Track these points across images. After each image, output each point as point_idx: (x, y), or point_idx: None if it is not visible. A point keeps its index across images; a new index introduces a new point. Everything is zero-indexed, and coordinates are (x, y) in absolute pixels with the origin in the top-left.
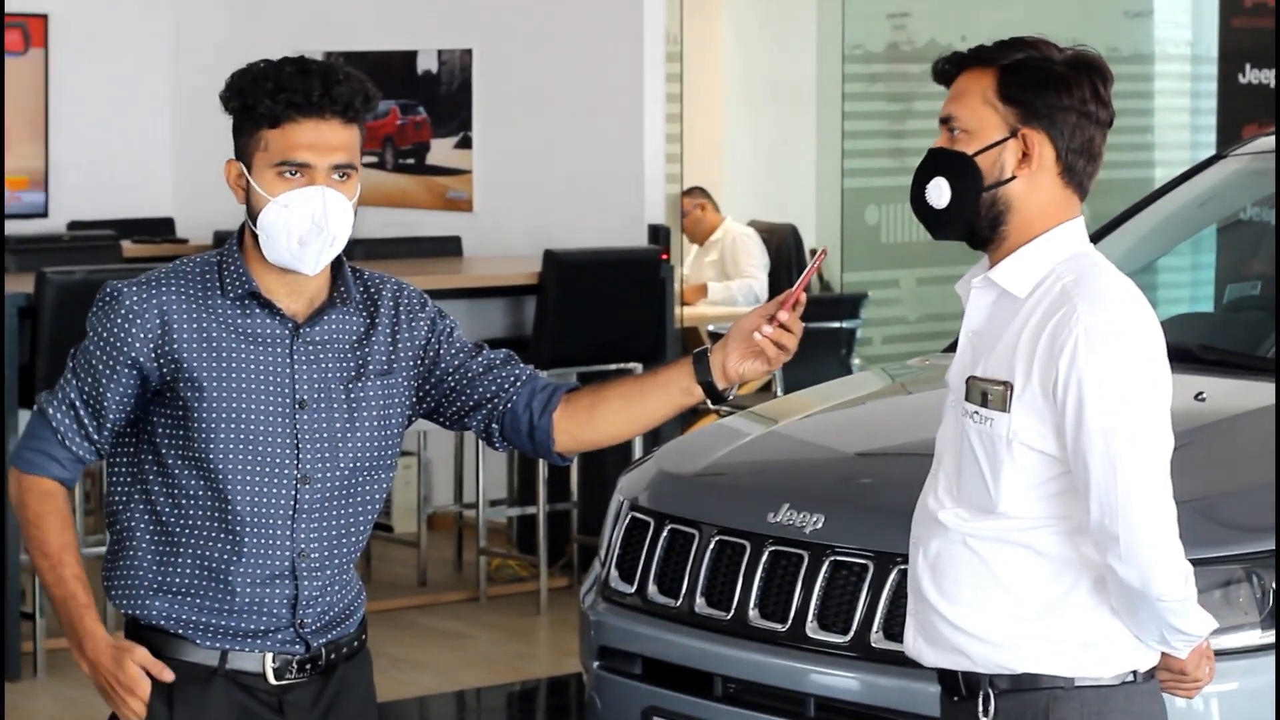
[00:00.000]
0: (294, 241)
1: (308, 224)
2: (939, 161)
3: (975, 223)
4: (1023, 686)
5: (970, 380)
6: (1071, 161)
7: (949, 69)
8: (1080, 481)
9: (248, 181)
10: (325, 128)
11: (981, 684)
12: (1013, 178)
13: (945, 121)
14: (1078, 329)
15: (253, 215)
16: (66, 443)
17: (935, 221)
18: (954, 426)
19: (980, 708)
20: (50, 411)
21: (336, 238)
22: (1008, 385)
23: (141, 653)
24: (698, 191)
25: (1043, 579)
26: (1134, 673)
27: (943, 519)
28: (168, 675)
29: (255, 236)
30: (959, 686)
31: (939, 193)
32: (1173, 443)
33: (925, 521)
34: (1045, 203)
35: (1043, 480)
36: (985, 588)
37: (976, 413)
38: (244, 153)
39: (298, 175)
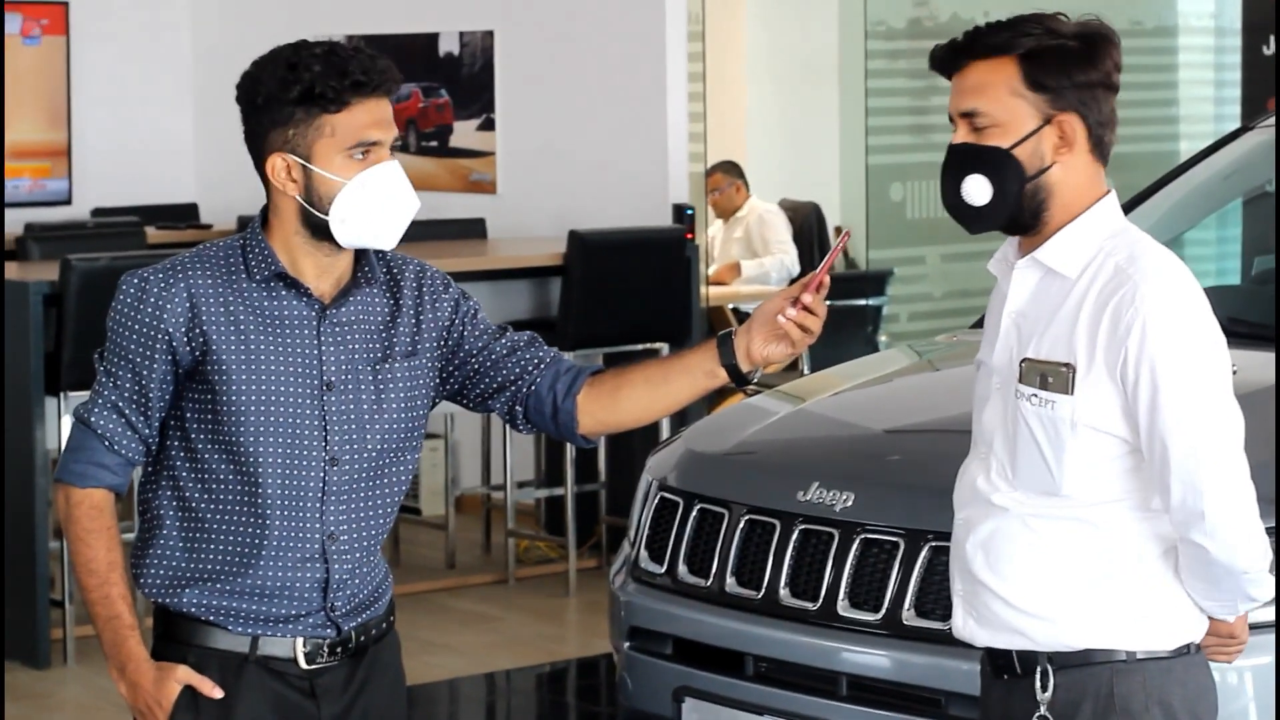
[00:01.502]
0: (376, 219)
1: (389, 198)
2: (972, 158)
3: (1018, 214)
4: (1085, 661)
5: (1026, 362)
6: (1100, 135)
7: (952, 56)
8: (1158, 461)
9: (306, 170)
10: (383, 105)
11: (1039, 661)
12: (1052, 164)
13: (966, 115)
14: (1143, 309)
15: (318, 203)
16: (116, 448)
17: (974, 218)
18: (1002, 409)
19: (1038, 684)
20: (93, 420)
21: (413, 205)
22: (1070, 367)
23: (184, 671)
24: (733, 169)
25: (1104, 554)
26: (1189, 645)
27: (998, 501)
28: (217, 692)
29: (308, 222)
30: (1014, 665)
31: (979, 190)
32: (1242, 416)
33: (974, 502)
34: (1081, 181)
35: (1107, 460)
36: (1044, 565)
37: (1035, 395)
38: (297, 144)
39: (366, 155)
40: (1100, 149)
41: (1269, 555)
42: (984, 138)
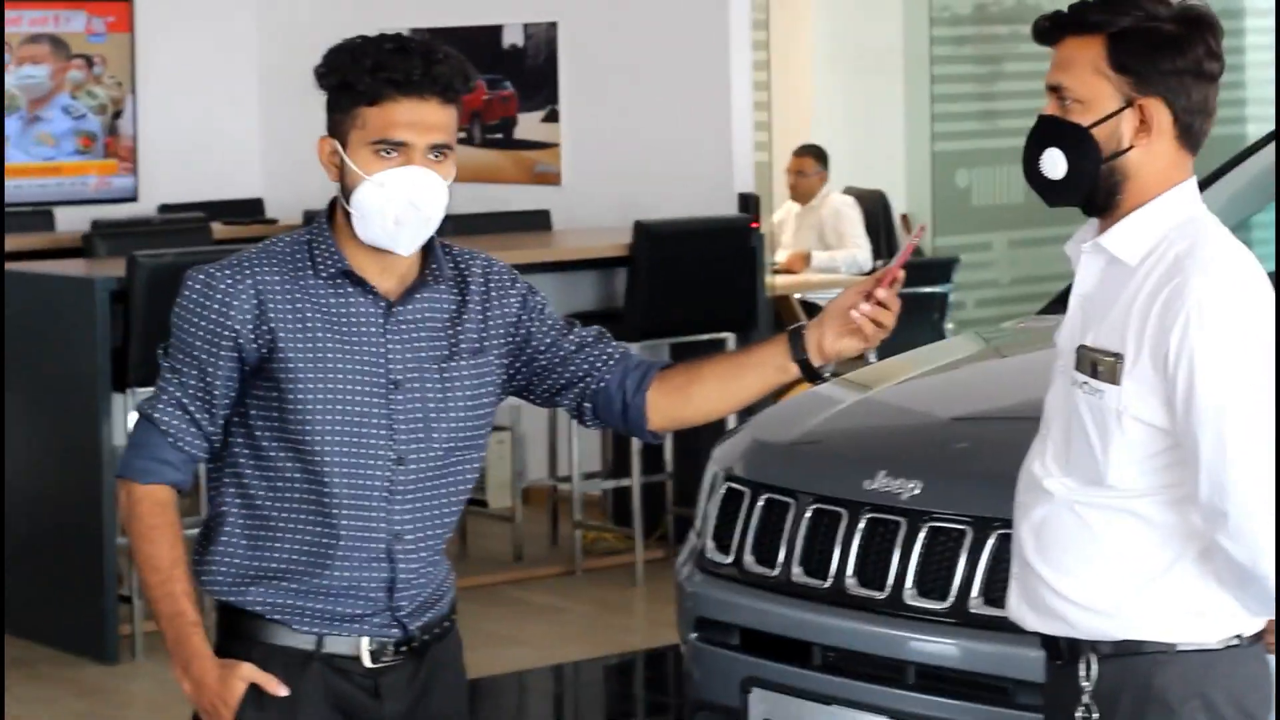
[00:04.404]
0: (389, 221)
1: (404, 204)
2: (1053, 132)
3: (1093, 193)
4: (1125, 652)
5: (1081, 349)
6: (1188, 123)
7: (1050, 29)
8: (1190, 457)
9: (342, 159)
10: (425, 107)
11: (1083, 649)
12: (1130, 147)
13: (1055, 90)
14: (1189, 302)
15: (346, 193)
16: (180, 445)
17: (1050, 191)
18: (1063, 393)
19: (1083, 672)
20: (157, 416)
21: (432, 219)
22: (1119, 357)
23: (249, 669)
24: (821, 157)
25: (1149, 547)
26: (1239, 636)
27: (1049, 486)
28: (281, 690)
29: (347, 214)
30: (1061, 651)
31: (1054, 164)
32: None
33: (1030, 487)
34: (1162, 167)
35: (1153, 453)
36: (1090, 555)
37: (1086, 383)
38: (339, 130)
39: (395, 154)
40: (1188, 137)
41: None
42: (1068, 113)
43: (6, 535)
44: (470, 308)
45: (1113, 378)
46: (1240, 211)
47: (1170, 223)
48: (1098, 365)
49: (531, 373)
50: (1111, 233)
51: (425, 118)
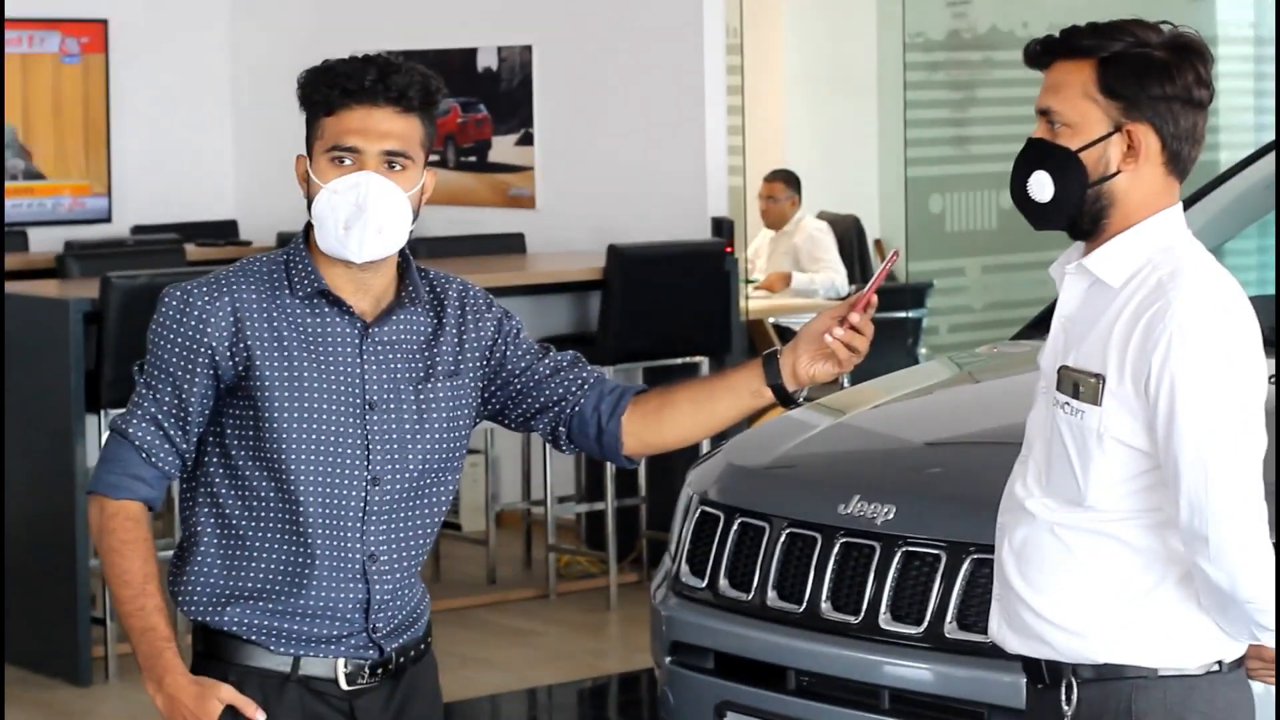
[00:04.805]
0: (340, 227)
1: (351, 208)
2: (1041, 154)
3: (1078, 217)
4: (1106, 676)
5: (1062, 370)
6: (1176, 149)
7: (1041, 53)
8: (1170, 480)
9: (308, 172)
10: (378, 114)
11: (1064, 673)
12: (1118, 172)
13: (1044, 113)
14: (1172, 325)
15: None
16: (153, 460)
17: (1037, 214)
18: (1044, 414)
19: (1063, 696)
20: (130, 431)
21: (383, 226)
22: (1100, 378)
23: (228, 691)
24: (792, 181)
25: (1130, 571)
26: (1219, 662)
27: (1030, 507)
28: (260, 715)
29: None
30: (1042, 674)
31: (1041, 187)
32: (1265, 442)
33: (1012, 508)
34: (1149, 193)
35: (1133, 474)
36: (1071, 578)
37: (1067, 404)
38: (308, 144)
39: (349, 162)
40: (1176, 163)
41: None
42: (1057, 136)
43: None
44: (446, 330)
45: (1094, 398)
46: (1214, 238)
47: (1154, 247)
48: (1079, 386)
49: (506, 397)
50: (1096, 255)
51: (378, 124)
